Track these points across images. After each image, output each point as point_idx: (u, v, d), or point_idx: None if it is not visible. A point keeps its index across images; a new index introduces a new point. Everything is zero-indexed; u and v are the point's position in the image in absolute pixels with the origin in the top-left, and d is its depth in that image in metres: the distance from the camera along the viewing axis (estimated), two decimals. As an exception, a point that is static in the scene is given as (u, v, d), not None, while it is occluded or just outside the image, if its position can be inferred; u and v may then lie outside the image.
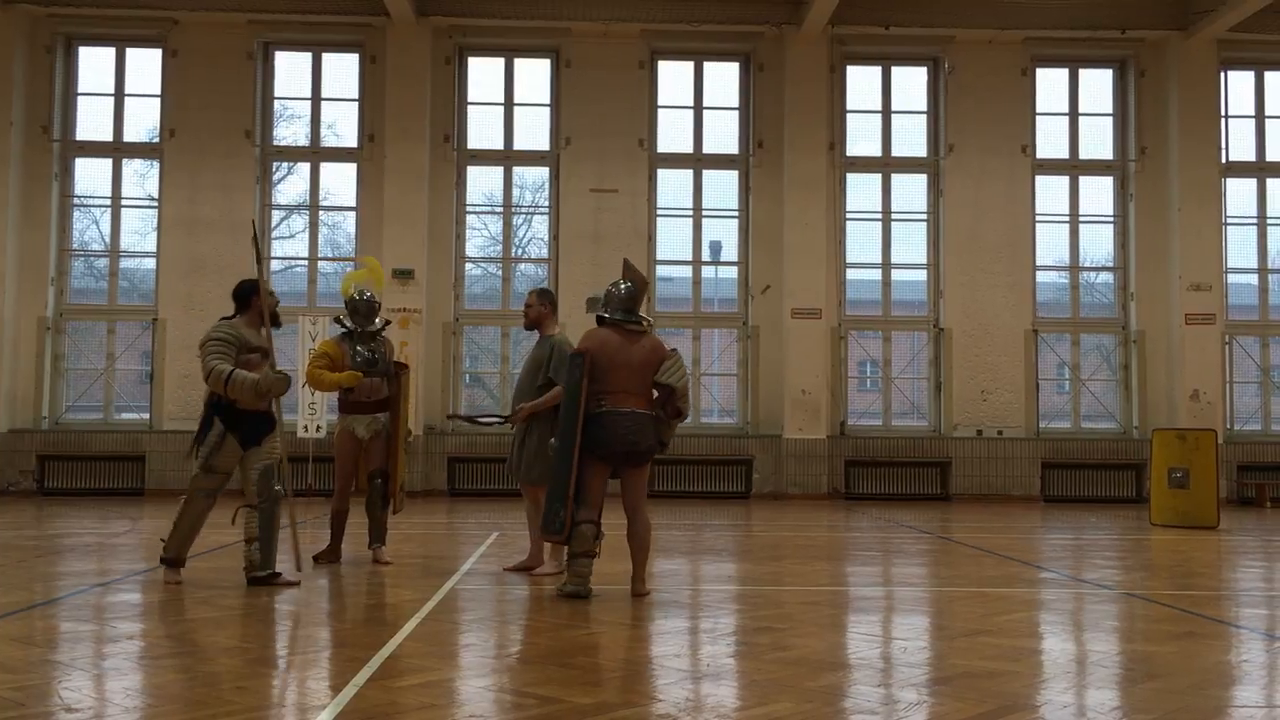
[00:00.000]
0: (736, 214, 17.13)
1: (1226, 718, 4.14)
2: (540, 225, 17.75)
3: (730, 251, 17.39)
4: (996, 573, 8.31)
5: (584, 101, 16.80)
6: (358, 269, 8.52)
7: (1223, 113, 17.14)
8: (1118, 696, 4.43)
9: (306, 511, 12.79)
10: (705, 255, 17.42)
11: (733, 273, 17.31)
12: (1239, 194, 17.38)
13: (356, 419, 8.07)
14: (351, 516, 8.49)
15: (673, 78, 17.28)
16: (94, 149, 16.98)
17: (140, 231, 17.13)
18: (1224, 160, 17.11)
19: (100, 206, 17.27)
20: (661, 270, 17.19)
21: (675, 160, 17.15)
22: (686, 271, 17.25)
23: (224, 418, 6.94)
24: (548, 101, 17.10)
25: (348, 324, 8.32)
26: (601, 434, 6.55)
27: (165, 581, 6.99)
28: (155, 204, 16.81)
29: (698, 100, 17.24)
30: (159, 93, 16.80)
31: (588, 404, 6.59)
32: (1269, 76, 17.49)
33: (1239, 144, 17.35)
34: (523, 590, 7.18)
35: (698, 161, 17.18)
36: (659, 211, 17.09)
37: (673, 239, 17.17)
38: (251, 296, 7.06)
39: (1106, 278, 17.81)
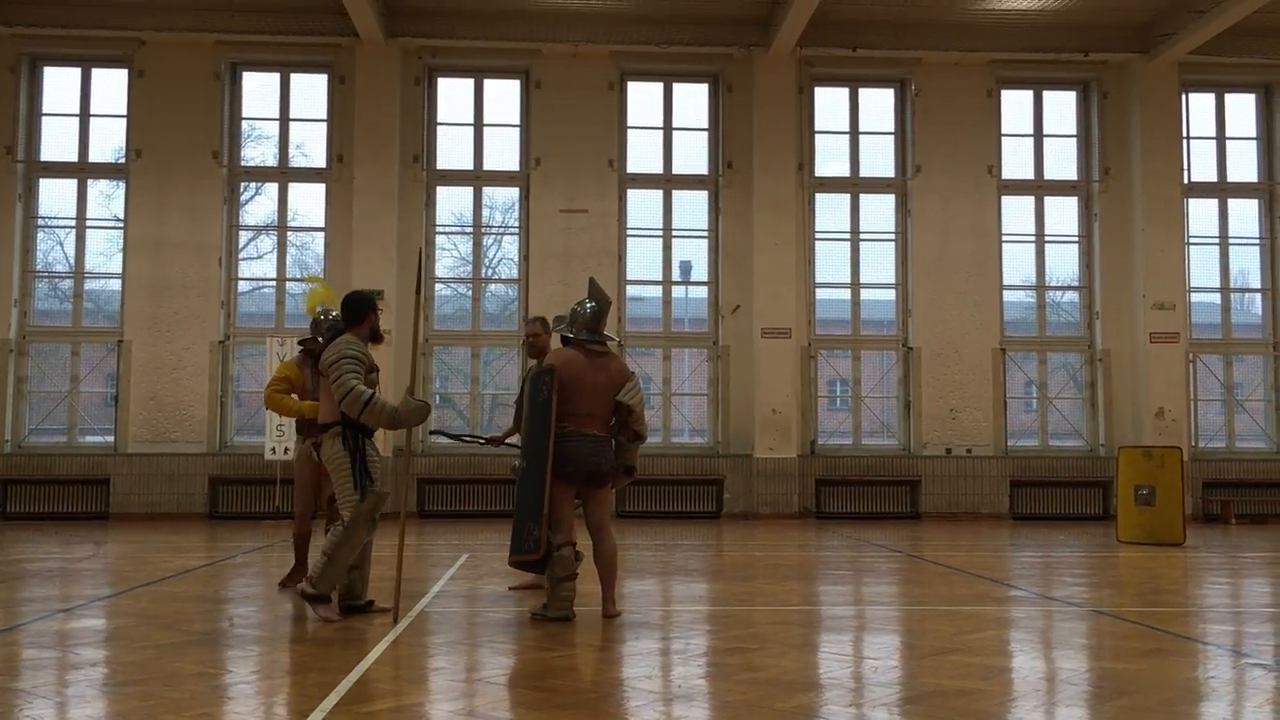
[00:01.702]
0: (706, 234, 17.19)
1: (1195, 734, 4.16)
2: (510, 246, 17.74)
3: (700, 271, 17.44)
4: (966, 591, 8.34)
5: (554, 122, 16.83)
6: (311, 289, 8.26)
7: (1184, 134, 17.37)
8: (1087, 714, 4.45)
9: (274, 534, 12.67)
10: (675, 275, 17.45)
11: (703, 293, 17.35)
12: (1201, 214, 17.61)
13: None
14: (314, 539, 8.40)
15: (642, 99, 17.34)
16: (59, 170, 16.83)
17: (105, 253, 16.99)
18: (1186, 181, 17.33)
19: (65, 228, 17.11)
20: (631, 290, 17.21)
21: (645, 181, 17.19)
22: (656, 291, 17.26)
23: (358, 433, 6.58)
24: (517, 122, 17.11)
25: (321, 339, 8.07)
26: (565, 456, 6.55)
27: (324, 619, 6.48)
28: (121, 225, 16.67)
29: (667, 121, 17.30)
30: (125, 113, 16.68)
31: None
32: (1229, 99, 17.76)
33: (1200, 165, 17.61)
34: (493, 613, 7.15)
35: (667, 182, 17.24)
36: (629, 232, 17.12)
37: (643, 259, 17.19)
38: (369, 312, 6.73)
39: (1072, 297, 17.97)
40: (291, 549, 8.24)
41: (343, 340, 6.59)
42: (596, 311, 6.89)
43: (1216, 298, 17.79)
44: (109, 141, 16.97)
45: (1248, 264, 18.05)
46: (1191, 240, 17.40)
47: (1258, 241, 17.71)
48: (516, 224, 17.30)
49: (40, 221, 16.93)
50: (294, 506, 8.11)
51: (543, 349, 8.03)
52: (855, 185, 17.38)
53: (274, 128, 17.14)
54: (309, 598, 6.54)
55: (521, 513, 6.64)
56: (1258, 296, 18.08)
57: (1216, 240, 17.65)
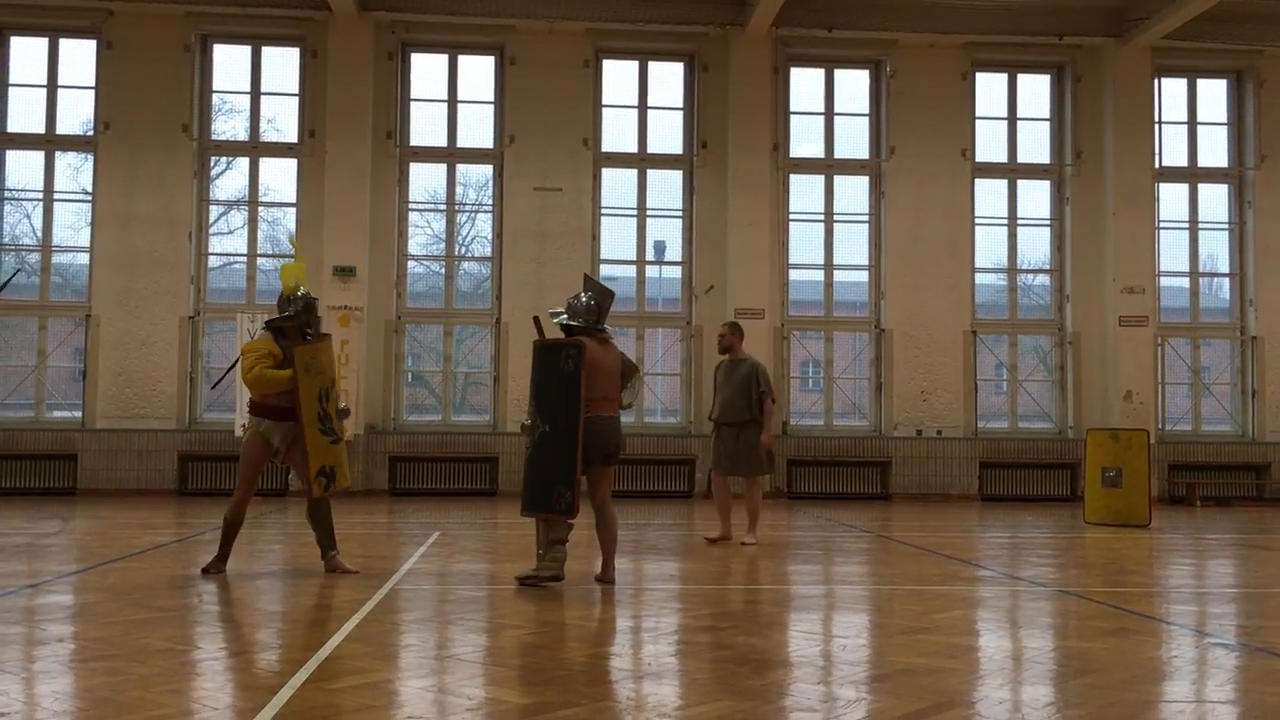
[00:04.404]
0: (680, 214, 17.17)
1: (1157, 712, 4.22)
2: (484, 223, 17.65)
3: (674, 251, 17.42)
4: (935, 571, 8.41)
5: (528, 99, 16.74)
6: (288, 264, 7.93)
7: (1156, 119, 17.47)
8: (1052, 692, 4.50)
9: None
10: (649, 255, 17.43)
11: (677, 272, 17.34)
12: (1171, 199, 17.74)
13: (273, 425, 7.39)
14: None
15: (617, 77, 17.27)
16: (26, 141, 16.61)
17: (73, 226, 16.78)
18: (1157, 165, 17.45)
19: (32, 200, 16.89)
20: (606, 270, 17.16)
21: (619, 159, 17.14)
22: (630, 271, 17.23)
23: None
24: (491, 99, 17.01)
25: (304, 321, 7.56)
26: (588, 437, 6.93)
27: None
28: (89, 198, 16.47)
29: (642, 100, 17.24)
30: (93, 85, 16.46)
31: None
32: (1201, 84, 17.88)
33: (1172, 149, 17.72)
34: (464, 590, 7.15)
35: (642, 161, 17.19)
36: (603, 211, 17.08)
37: (617, 238, 17.16)
38: None
39: (1043, 280, 18.08)
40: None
41: None
42: (593, 300, 7.31)
43: (1185, 282, 17.95)
44: (77, 113, 16.73)
45: (1217, 249, 18.21)
46: (1162, 225, 17.53)
47: (1227, 226, 17.87)
48: (490, 201, 17.22)
49: (7, 194, 16.71)
50: (236, 490, 7.47)
51: (728, 347, 9.94)
52: (830, 167, 17.39)
53: (245, 101, 16.95)
54: None
55: (549, 475, 6.89)
56: (1226, 281, 18.26)
57: (1186, 225, 17.79)
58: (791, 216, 17.24)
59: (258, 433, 7.42)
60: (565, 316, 7.30)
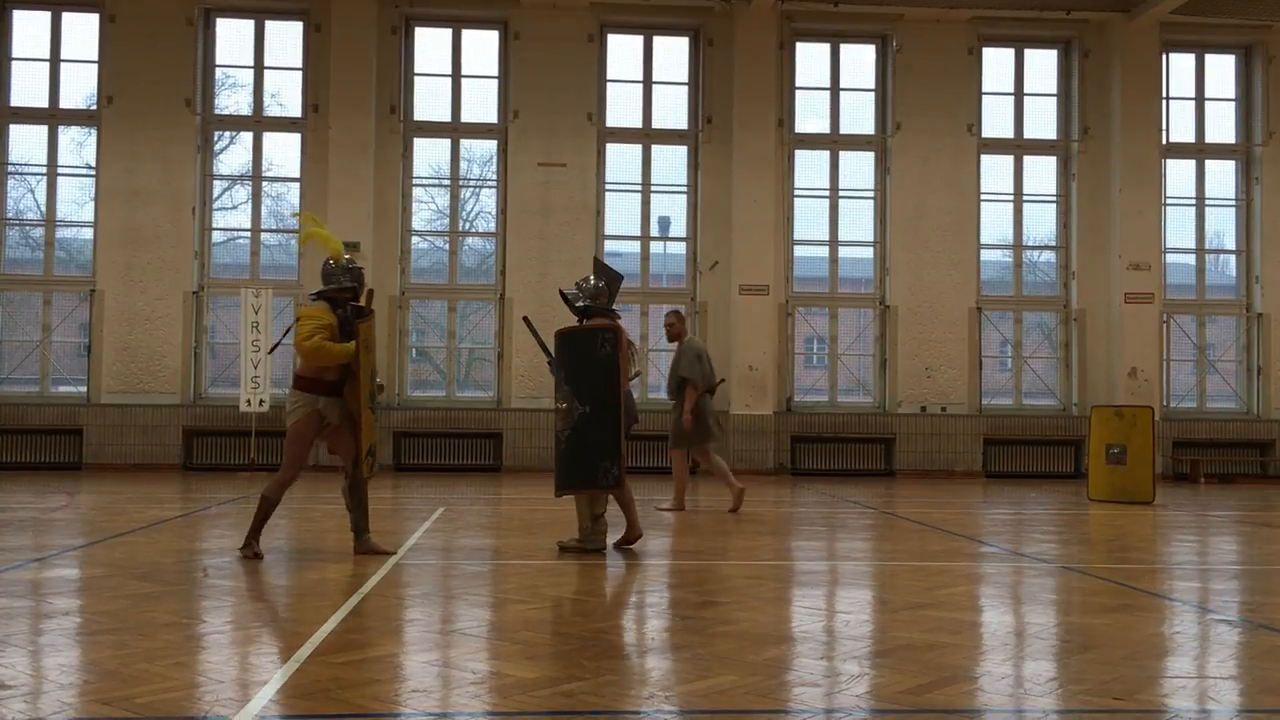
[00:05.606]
0: (685, 190, 17.12)
1: (1159, 688, 4.23)
2: (488, 199, 17.60)
3: (679, 227, 17.38)
4: (938, 547, 8.42)
5: (532, 74, 16.67)
6: (316, 231, 7.72)
7: (1164, 94, 17.37)
8: (1054, 668, 4.51)
9: (249, 486, 12.64)
10: (654, 231, 17.39)
11: (681, 248, 17.30)
12: (1178, 175, 17.65)
13: (330, 402, 7.05)
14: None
15: (622, 52, 17.18)
16: (29, 115, 16.56)
17: (77, 201, 16.76)
18: (1164, 141, 17.36)
19: (36, 175, 16.87)
20: (610, 245, 17.14)
21: (624, 135, 17.07)
22: (635, 247, 17.21)
23: None
24: (495, 74, 16.94)
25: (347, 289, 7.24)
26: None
27: None
28: (93, 173, 16.45)
29: (647, 75, 17.16)
30: (96, 59, 16.40)
31: None
32: (1209, 59, 17.76)
33: (1179, 125, 17.62)
34: (469, 566, 7.17)
35: (646, 136, 17.13)
36: (607, 186, 17.03)
37: (621, 214, 17.12)
38: None
39: (1049, 256, 18.03)
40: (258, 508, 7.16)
41: None
42: (606, 285, 7.73)
43: (1192, 259, 17.89)
44: (80, 87, 16.68)
45: (1223, 225, 18.14)
46: (1168, 201, 17.46)
47: (1233, 203, 17.79)
48: (494, 177, 17.17)
49: (11, 168, 16.69)
50: (284, 470, 7.12)
51: (677, 335, 10.64)
52: (835, 142, 17.32)
53: (248, 76, 16.89)
54: None
55: (595, 453, 7.25)
56: (1232, 258, 18.20)
57: (1193, 201, 17.71)
58: (796, 192, 17.18)
59: (315, 409, 7.03)
60: (579, 297, 7.63)
